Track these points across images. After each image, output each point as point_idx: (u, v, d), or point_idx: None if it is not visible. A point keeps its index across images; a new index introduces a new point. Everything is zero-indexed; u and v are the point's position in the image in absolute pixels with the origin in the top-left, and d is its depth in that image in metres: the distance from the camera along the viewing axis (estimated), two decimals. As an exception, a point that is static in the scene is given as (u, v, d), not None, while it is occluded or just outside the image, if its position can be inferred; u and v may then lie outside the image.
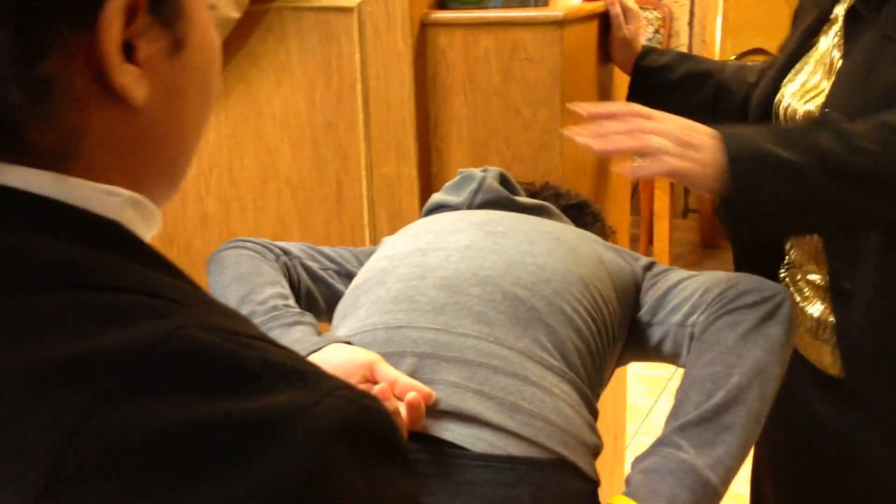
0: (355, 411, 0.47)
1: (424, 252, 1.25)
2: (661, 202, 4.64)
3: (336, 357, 1.07)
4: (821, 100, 1.34)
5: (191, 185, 2.36)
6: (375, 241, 2.03)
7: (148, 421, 0.41)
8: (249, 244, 1.37)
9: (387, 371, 1.05)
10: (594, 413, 1.17)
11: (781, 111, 1.45)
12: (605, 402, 1.32)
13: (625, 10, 1.92)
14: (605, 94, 2.16)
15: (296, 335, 1.14)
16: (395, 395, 1.01)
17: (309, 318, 1.21)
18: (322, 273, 1.41)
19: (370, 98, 2.02)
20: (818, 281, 1.43)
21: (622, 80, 2.24)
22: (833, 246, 1.33)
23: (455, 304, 1.14)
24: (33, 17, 0.45)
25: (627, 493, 1.04)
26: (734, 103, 1.72)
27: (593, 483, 1.12)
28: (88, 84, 0.49)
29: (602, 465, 1.17)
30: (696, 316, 1.20)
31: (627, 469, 1.12)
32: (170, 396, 0.42)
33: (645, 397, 3.56)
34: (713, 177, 1.17)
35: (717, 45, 4.54)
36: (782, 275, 1.55)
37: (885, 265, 1.27)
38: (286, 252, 1.40)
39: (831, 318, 1.40)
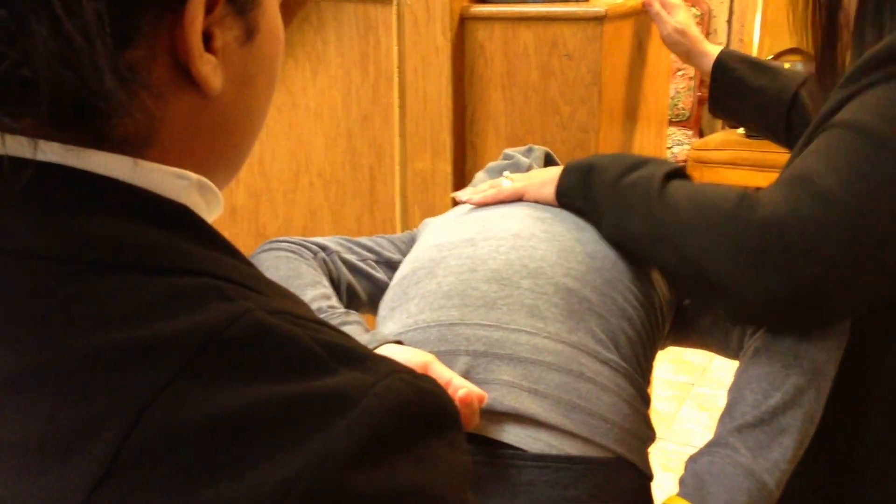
0: (412, 392, 0.47)
1: (474, 242, 1.23)
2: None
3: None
4: None
5: (222, 177, 2.35)
6: (407, 237, 2.02)
7: (214, 401, 0.43)
8: (285, 244, 1.35)
9: (441, 371, 1.03)
10: (647, 403, 1.16)
11: None
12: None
13: (664, 4, 1.86)
14: (642, 92, 2.12)
15: None
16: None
17: (354, 316, 1.19)
18: (361, 264, 1.39)
19: (407, 92, 2.00)
20: None
21: (660, 79, 2.21)
22: None
23: (507, 297, 1.13)
24: (123, 7, 0.46)
25: (683, 494, 1.03)
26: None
27: (648, 478, 1.12)
28: (168, 73, 0.50)
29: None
30: None
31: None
32: (236, 377, 0.44)
33: (670, 402, 3.52)
34: (549, 184, 1.29)
35: (754, 44, 4.49)
36: None
37: None
38: (323, 248, 1.37)
39: None
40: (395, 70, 1.99)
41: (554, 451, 1.03)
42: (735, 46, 4.70)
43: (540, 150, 1.58)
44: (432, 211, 2.03)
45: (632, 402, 1.10)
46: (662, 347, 1.35)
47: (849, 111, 1.02)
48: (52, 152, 0.48)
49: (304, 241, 1.37)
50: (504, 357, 1.08)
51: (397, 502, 0.45)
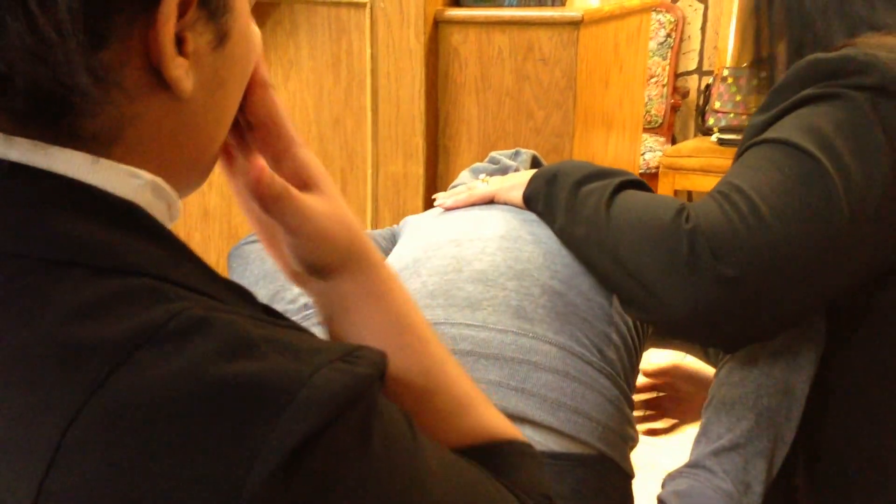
0: (349, 380, 0.48)
1: (459, 242, 1.22)
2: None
3: None
4: None
5: (193, 179, 2.33)
6: (380, 242, 2.00)
7: (152, 391, 0.44)
8: None
9: None
10: (631, 406, 1.16)
11: None
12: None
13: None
14: (617, 98, 2.12)
15: None
16: None
17: None
18: None
19: (379, 95, 1.98)
20: None
21: (635, 85, 2.21)
22: None
23: (492, 298, 1.12)
24: (98, 8, 0.47)
25: None
26: None
27: (630, 477, 1.12)
28: (140, 75, 0.51)
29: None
30: None
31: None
32: (173, 367, 0.44)
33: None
34: (519, 189, 1.29)
35: (728, 51, 4.50)
36: None
37: None
38: None
39: None
40: (368, 73, 1.97)
41: (537, 447, 1.03)
42: (709, 53, 4.71)
43: (527, 153, 1.57)
44: (404, 213, 2.01)
45: (616, 402, 1.11)
46: (645, 349, 1.35)
47: (773, 131, 1.04)
48: (18, 149, 0.48)
49: None
50: (490, 357, 1.08)
51: (350, 486, 0.46)
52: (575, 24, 1.80)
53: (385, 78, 1.96)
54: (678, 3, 4.72)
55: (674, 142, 4.69)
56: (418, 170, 1.99)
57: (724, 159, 4.11)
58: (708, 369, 1.52)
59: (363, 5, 1.94)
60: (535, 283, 1.15)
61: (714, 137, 4.24)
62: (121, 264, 0.49)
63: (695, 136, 4.69)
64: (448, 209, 1.35)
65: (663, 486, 1.09)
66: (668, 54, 4.47)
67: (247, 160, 0.64)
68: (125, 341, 0.45)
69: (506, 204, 1.31)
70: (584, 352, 1.11)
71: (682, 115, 4.77)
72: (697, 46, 4.78)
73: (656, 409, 1.59)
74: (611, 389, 1.11)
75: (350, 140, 2.08)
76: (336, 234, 0.62)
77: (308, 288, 0.65)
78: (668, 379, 1.57)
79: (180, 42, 0.52)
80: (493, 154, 1.56)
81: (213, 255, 2.36)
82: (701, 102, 4.63)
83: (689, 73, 4.69)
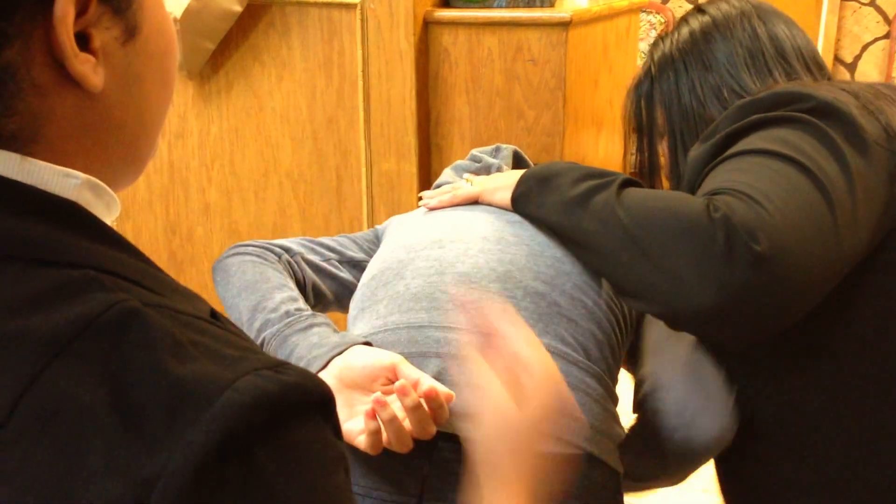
0: (271, 387, 0.48)
1: (442, 244, 1.23)
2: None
3: (359, 360, 1.06)
4: None
5: (193, 176, 2.35)
6: (374, 239, 2.02)
7: (85, 386, 0.44)
8: (251, 248, 1.35)
9: (409, 372, 1.03)
10: (616, 402, 1.18)
11: None
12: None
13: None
14: (607, 98, 2.14)
15: (313, 339, 1.12)
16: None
17: (322, 318, 1.19)
18: (325, 265, 1.39)
19: (371, 95, 2.00)
20: None
21: (625, 85, 2.22)
22: None
23: (475, 301, 1.13)
24: None
25: None
26: None
27: (618, 473, 1.13)
28: (48, 72, 0.51)
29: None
30: None
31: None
32: (106, 361, 0.45)
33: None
34: (505, 190, 1.29)
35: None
36: None
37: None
38: (287, 249, 1.38)
39: None
40: (360, 74, 2.00)
41: None
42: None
43: (508, 148, 1.57)
44: (398, 210, 2.03)
45: (601, 401, 1.12)
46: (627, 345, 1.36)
47: (749, 143, 1.06)
48: None
49: (269, 244, 1.37)
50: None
51: (262, 497, 0.46)
52: (564, 24, 1.81)
53: (376, 78, 1.98)
54: (668, 4, 4.71)
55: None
56: (411, 168, 2.02)
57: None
58: None
59: (353, 6, 1.96)
60: (518, 286, 1.15)
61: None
62: (60, 257, 0.49)
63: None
64: (432, 209, 1.37)
65: None
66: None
67: None
68: (61, 333, 0.46)
69: (490, 205, 1.32)
70: (570, 352, 1.12)
71: (678, 109, 4.75)
72: (694, 42, 4.77)
73: None
74: (596, 389, 1.12)
75: (344, 139, 2.10)
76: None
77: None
78: None
79: (86, 38, 0.52)
80: (475, 152, 1.56)
81: (215, 248, 2.39)
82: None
83: (683, 69, 4.67)
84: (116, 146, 0.57)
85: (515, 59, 1.87)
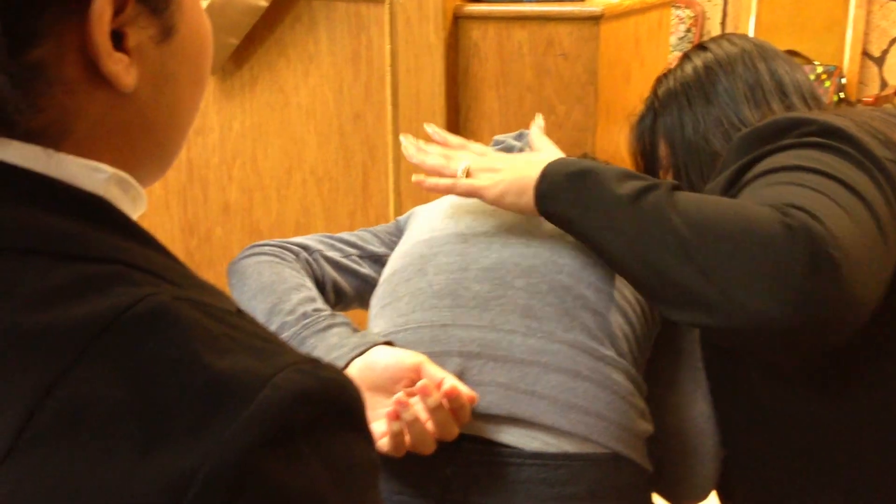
0: (312, 383, 0.47)
1: (465, 238, 1.20)
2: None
3: (382, 360, 1.04)
4: None
5: (213, 175, 2.33)
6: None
7: (114, 382, 0.43)
8: (267, 248, 1.32)
9: (433, 372, 1.02)
10: (644, 396, 1.15)
11: None
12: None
13: None
14: (639, 92, 2.11)
15: (332, 340, 1.09)
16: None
17: (341, 317, 1.17)
18: (345, 261, 1.36)
19: (399, 91, 1.98)
20: None
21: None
22: None
23: (499, 298, 1.11)
24: (25, 6, 0.47)
25: None
26: None
27: (646, 472, 1.12)
28: (80, 70, 0.51)
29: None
30: None
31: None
32: (136, 357, 0.44)
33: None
34: (516, 193, 1.16)
35: (748, 46, 4.47)
36: None
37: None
38: (305, 248, 1.35)
39: None
40: (388, 69, 1.98)
41: (551, 450, 1.03)
42: (728, 48, 4.69)
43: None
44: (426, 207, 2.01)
45: (628, 397, 1.10)
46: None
47: (773, 163, 1.05)
48: None
49: (286, 242, 1.35)
50: (499, 358, 1.07)
51: (303, 496, 0.45)
52: (595, 18, 1.79)
53: (405, 73, 1.96)
54: (697, -2, 4.70)
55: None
56: (439, 164, 1.99)
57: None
58: None
59: (382, 1, 1.94)
60: (543, 280, 1.13)
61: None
62: (86, 252, 0.49)
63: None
64: (426, 190, 1.25)
65: None
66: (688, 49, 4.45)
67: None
68: (87, 327, 0.45)
69: (496, 206, 1.21)
70: (597, 346, 1.10)
71: (702, 109, 4.74)
72: (717, 41, 4.76)
73: None
74: (623, 384, 1.10)
75: (371, 135, 2.08)
76: None
77: None
78: None
79: (121, 37, 0.52)
80: (497, 137, 1.51)
81: (235, 249, 2.37)
82: (721, 96, 4.60)
83: (708, 67, 4.66)
84: (146, 144, 0.57)
85: (546, 54, 1.85)
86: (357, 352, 1.05)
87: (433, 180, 1.23)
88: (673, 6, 4.10)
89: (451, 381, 1.00)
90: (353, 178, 2.14)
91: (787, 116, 1.12)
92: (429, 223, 1.30)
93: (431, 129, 1.34)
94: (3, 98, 0.47)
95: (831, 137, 1.05)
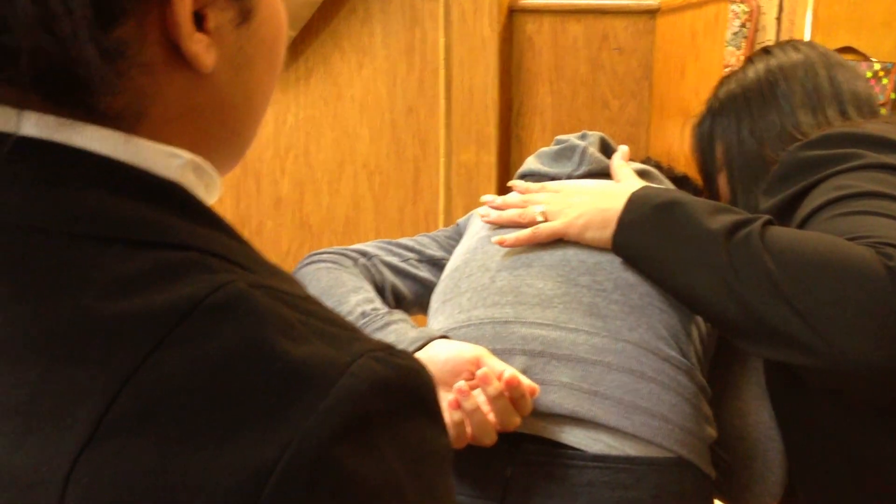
0: (388, 370, 0.47)
1: None
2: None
3: (442, 353, 1.02)
4: None
5: (265, 168, 2.35)
6: (451, 230, 2.00)
7: (195, 368, 0.43)
8: (325, 255, 1.33)
9: (493, 363, 1.00)
10: (708, 398, 1.13)
11: None
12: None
13: None
14: (694, 88, 2.09)
15: (391, 337, 1.08)
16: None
17: (398, 314, 1.16)
18: (403, 265, 1.36)
19: (453, 84, 1.98)
20: None
21: (712, 75, 2.17)
22: None
23: (563, 295, 1.09)
24: None
25: None
26: None
27: (709, 477, 1.09)
28: (159, 51, 0.51)
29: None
30: None
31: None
32: (216, 343, 0.44)
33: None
34: (598, 227, 1.13)
35: (804, 42, 4.40)
36: None
37: None
38: (363, 253, 1.35)
39: None
40: (442, 62, 1.97)
41: (614, 452, 1.01)
42: (783, 44, 4.63)
43: (594, 135, 1.50)
44: (476, 203, 2.00)
45: (693, 400, 1.07)
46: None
47: (845, 188, 1.03)
48: (45, 126, 0.49)
49: (344, 249, 1.35)
50: (562, 357, 1.05)
51: (381, 486, 0.45)
52: (651, 12, 1.78)
53: (458, 67, 1.96)
54: (753, -7, 4.64)
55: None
56: (491, 159, 1.99)
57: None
58: None
59: (437, -6, 1.94)
60: (608, 277, 1.11)
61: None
62: (163, 238, 0.49)
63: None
64: (509, 246, 1.20)
65: None
66: (743, 44, 4.39)
67: None
68: (168, 314, 0.45)
69: (578, 242, 1.18)
70: (663, 346, 1.07)
71: (755, 106, 4.68)
72: (773, 37, 4.69)
73: None
74: (689, 386, 1.08)
75: (423, 129, 2.08)
76: None
77: None
78: None
79: (201, 18, 0.52)
80: (559, 137, 1.49)
81: (284, 243, 2.39)
82: (775, 93, 4.54)
83: (763, 63, 4.60)
84: (221, 130, 0.57)
85: (601, 48, 1.84)
86: (416, 346, 1.04)
87: (513, 235, 1.19)
88: (728, 1, 4.05)
89: (510, 371, 0.99)
90: (404, 171, 2.14)
91: (839, 131, 1.12)
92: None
93: (490, 197, 1.31)
94: (90, 74, 0.47)
95: (884, 149, 1.04)
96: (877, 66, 4.16)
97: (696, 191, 1.44)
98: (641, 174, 1.29)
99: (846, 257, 0.93)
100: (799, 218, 1.06)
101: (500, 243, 1.19)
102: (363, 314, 1.16)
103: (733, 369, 1.24)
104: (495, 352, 1.05)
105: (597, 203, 1.15)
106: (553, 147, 1.39)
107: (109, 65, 0.48)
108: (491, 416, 0.98)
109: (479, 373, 0.98)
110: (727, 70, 3.77)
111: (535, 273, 1.12)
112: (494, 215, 1.23)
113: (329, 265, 1.30)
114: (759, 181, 1.24)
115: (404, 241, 1.42)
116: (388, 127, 2.13)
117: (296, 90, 2.22)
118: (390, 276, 1.34)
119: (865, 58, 1.89)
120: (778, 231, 1.00)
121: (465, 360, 1.02)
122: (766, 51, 1.38)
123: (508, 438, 1.01)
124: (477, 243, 1.24)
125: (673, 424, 1.03)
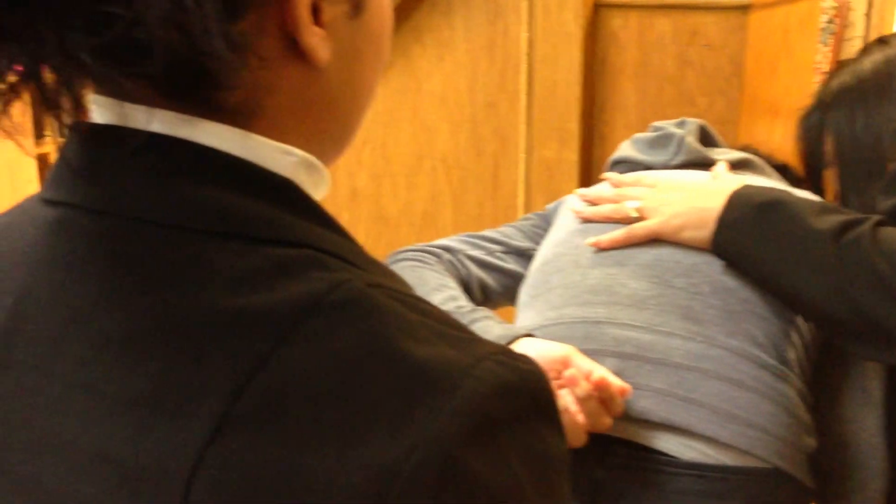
0: (511, 374, 0.46)
1: None
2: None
3: (528, 352, 0.99)
4: None
5: (342, 160, 2.33)
6: (529, 228, 1.98)
7: (319, 368, 0.43)
8: (409, 254, 1.31)
9: (581, 362, 0.98)
10: (809, 408, 1.08)
11: None
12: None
13: None
14: (787, 86, 2.03)
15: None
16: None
17: (483, 311, 1.14)
18: (489, 258, 1.33)
19: (535, 79, 1.95)
20: None
21: (805, 73, 2.11)
22: None
23: (658, 297, 1.05)
24: None
25: None
26: None
27: (807, 489, 1.05)
28: (276, 44, 0.51)
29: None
30: None
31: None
32: (339, 343, 0.44)
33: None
34: (695, 226, 1.09)
35: (893, 39, 4.27)
36: None
37: None
38: (447, 249, 1.32)
39: None
40: (524, 57, 1.94)
41: (709, 461, 0.98)
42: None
43: (693, 122, 1.41)
44: (556, 199, 1.98)
45: (793, 409, 1.03)
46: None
47: None
48: (168, 122, 0.50)
49: (427, 246, 1.32)
50: (656, 362, 1.01)
51: (505, 490, 0.44)
52: (743, 8, 1.73)
53: (541, 62, 1.93)
54: (842, -12, 4.52)
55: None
56: (572, 156, 1.95)
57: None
58: None
59: (521, -12, 1.92)
60: (705, 280, 1.06)
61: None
62: (279, 235, 0.49)
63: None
64: (605, 248, 1.16)
65: None
66: (830, 41, 4.28)
67: None
68: (290, 312, 0.45)
69: (676, 242, 1.14)
70: (761, 354, 1.03)
71: (841, 104, 4.58)
72: (861, 33, 4.56)
73: None
74: (788, 395, 1.03)
75: (503, 124, 2.05)
76: None
77: None
78: None
79: (316, 12, 0.52)
80: (657, 123, 1.41)
81: (360, 235, 2.38)
82: (863, 90, 4.43)
83: (850, 60, 4.49)
84: (330, 122, 0.57)
85: (690, 44, 1.80)
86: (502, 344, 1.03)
87: (608, 236, 1.15)
88: (819, -3, 3.96)
89: (600, 371, 0.96)
90: (483, 166, 2.12)
91: None
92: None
93: (584, 190, 1.26)
94: (219, 68, 0.48)
95: None
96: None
97: (797, 181, 1.37)
98: (742, 162, 1.24)
99: None
100: None
101: (596, 245, 1.15)
102: (459, 306, 1.15)
103: (835, 375, 1.18)
104: (586, 352, 1.02)
105: (694, 201, 1.11)
106: (650, 134, 1.32)
107: (239, 58, 0.48)
108: (580, 418, 0.96)
109: (566, 373, 0.95)
110: (816, 68, 3.64)
111: (629, 272, 1.08)
112: (589, 212, 1.19)
113: (413, 263, 1.29)
114: (874, 179, 1.17)
115: (488, 232, 1.39)
116: (468, 121, 2.10)
117: (375, 83, 2.22)
118: (476, 271, 1.32)
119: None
120: (890, 232, 0.96)
121: (552, 358, 0.99)
122: (883, 41, 1.30)
123: (599, 441, 0.98)
124: (567, 236, 1.20)
125: (771, 435, 1.00)
